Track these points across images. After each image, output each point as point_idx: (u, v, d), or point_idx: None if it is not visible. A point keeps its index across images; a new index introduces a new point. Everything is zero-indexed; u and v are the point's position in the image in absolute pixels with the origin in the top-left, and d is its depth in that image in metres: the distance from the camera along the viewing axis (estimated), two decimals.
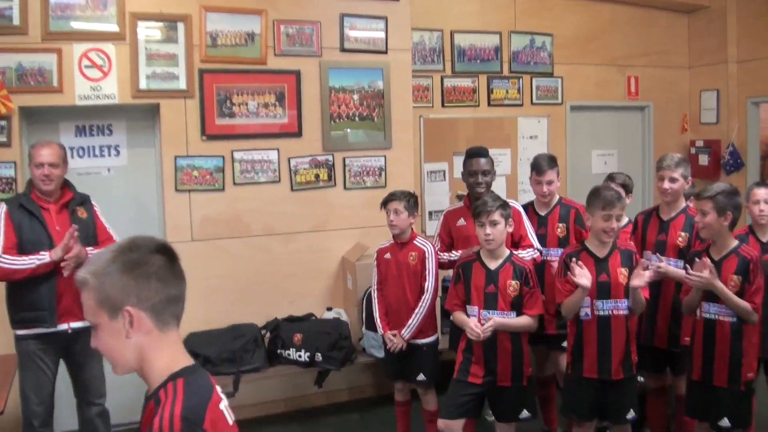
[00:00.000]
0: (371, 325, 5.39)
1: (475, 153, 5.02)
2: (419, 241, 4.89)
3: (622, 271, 4.17)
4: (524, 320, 4.24)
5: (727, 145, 8.15)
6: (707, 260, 4.05)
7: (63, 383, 4.68)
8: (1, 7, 4.99)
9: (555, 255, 4.95)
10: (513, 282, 4.24)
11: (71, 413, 4.82)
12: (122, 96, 5.33)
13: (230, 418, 1.89)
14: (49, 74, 5.12)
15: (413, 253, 4.84)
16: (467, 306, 4.34)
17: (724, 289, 3.99)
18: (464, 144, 6.88)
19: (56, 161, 4.41)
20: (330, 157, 6.00)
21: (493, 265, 4.30)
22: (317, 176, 5.97)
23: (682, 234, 4.65)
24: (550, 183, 5.03)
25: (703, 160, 8.35)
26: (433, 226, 6.05)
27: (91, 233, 4.54)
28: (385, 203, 4.87)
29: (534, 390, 4.59)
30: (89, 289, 1.79)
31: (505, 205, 4.30)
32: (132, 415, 5.23)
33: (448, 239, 5.11)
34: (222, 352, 5.33)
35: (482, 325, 4.18)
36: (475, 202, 4.51)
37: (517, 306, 4.24)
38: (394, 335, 4.83)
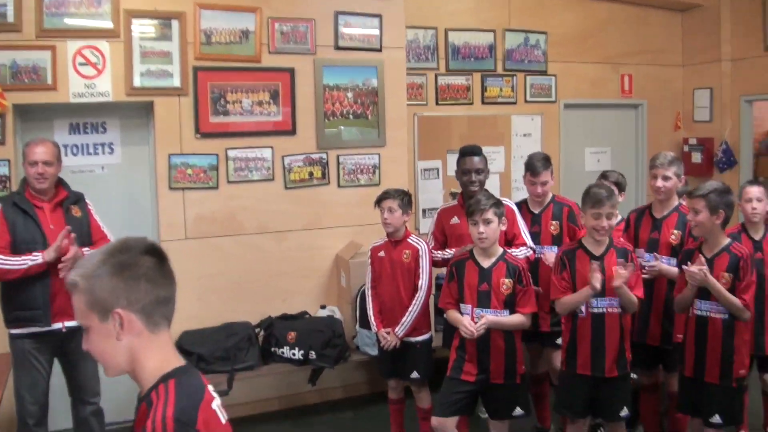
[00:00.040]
0: (365, 323, 5.40)
1: (468, 151, 5.02)
2: (413, 239, 4.90)
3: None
4: (517, 318, 4.25)
5: (720, 143, 8.17)
6: (702, 258, 4.07)
7: (57, 382, 4.68)
8: None
9: (548, 253, 4.98)
10: (506, 280, 4.24)
11: (66, 412, 4.80)
12: (116, 94, 5.32)
13: (223, 417, 1.89)
14: (43, 72, 5.11)
15: (407, 251, 4.85)
16: (461, 304, 4.34)
17: (717, 285, 4.01)
18: (458, 142, 6.88)
19: (50, 159, 4.40)
20: (324, 155, 6.00)
21: (486, 263, 4.31)
22: (311, 174, 5.97)
23: (675, 232, 4.67)
24: (544, 184, 5.04)
25: (696, 158, 8.37)
26: (427, 224, 6.06)
27: (86, 232, 4.53)
28: (379, 201, 4.87)
29: (527, 387, 4.60)
30: (79, 292, 1.79)
31: (498, 203, 4.31)
32: (126, 413, 5.22)
33: (442, 237, 5.12)
34: (216, 351, 5.34)
35: (475, 323, 4.19)
36: (469, 200, 4.52)
37: (511, 304, 4.25)
38: (388, 333, 4.83)
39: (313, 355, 5.49)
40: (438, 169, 7.20)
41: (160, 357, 1.85)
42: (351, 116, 6.08)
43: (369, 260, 5.06)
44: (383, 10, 6.14)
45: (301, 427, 5.70)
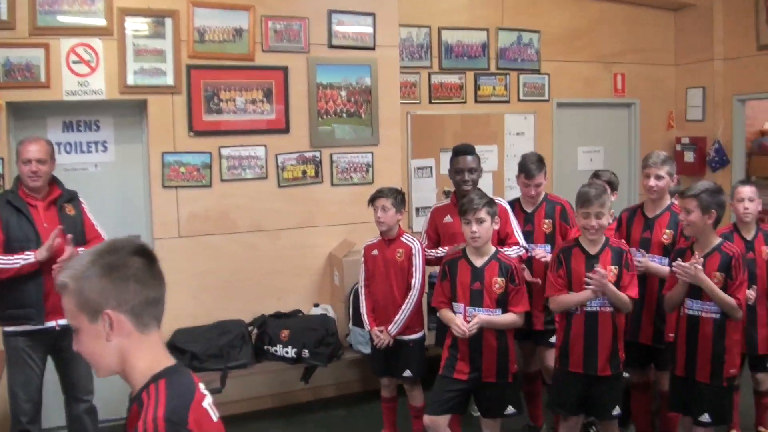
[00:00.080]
0: (358, 321, 5.41)
1: (461, 151, 5.04)
2: (406, 238, 4.91)
3: (612, 269, 4.20)
4: (510, 317, 4.26)
5: (712, 142, 8.19)
6: (697, 255, 4.09)
7: (51, 380, 4.68)
8: None
9: (542, 251, 5.00)
10: (498, 279, 4.26)
11: (59, 410, 4.81)
12: (110, 91, 5.32)
13: (214, 416, 1.89)
14: (36, 69, 5.10)
15: (400, 250, 4.86)
16: (453, 303, 4.36)
17: (710, 283, 4.02)
18: (451, 140, 6.89)
19: (44, 157, 4.40)
20: (317, 154, 6.01)
21: (478, 262, 4.32)
22: (304, 172, 5.97)
23: (667, 231, 4.68)
24: (538, 186, 5.06)
25: (689, 157, 8.39)
26: (420, 223, 6.06)
27: (80, 231, 4.53)
28: (372, 200, 4.89)
29: (519, 386, 4.62)
30: (69, 294, 1.80)
31: (491, 202, 4.32)
32: (120, 411, 5.20)
33: (435, 236, 5.13)
34: (209, 349, 5.34)
35: (468, 322, 4.20)
36: (462, 199, 4.54)
37: (503, 303, 4.26)
38: (381, 331, 4.85)
39: (306, 353, 5.50)
40: (431, 168, 7.21)
41: (150, 357, 1.85)
42: (344, 115, 6.09)
43: (362, 259, 5.07)
44: (377, 8, 6.14)
45: (294, 425, 5.71)
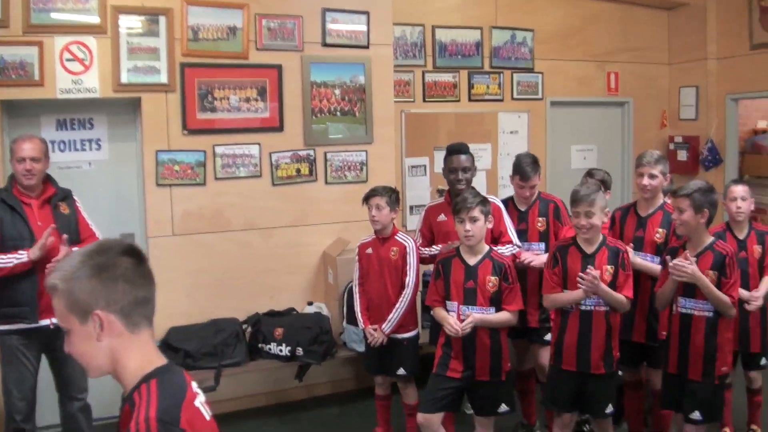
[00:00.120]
0: (352, 320, 5.42)
1: (455, 150, 5.05)
2: (400, 237, 4.92)
3: (608, 269, 4.22)
4: (504, 316, 4.28)
5: (705, 141, 8.22)
6: (688, 254, 4.10)
7: (45, 378, 4.67)
8: None
9: (537, 249, 5.02)
10: (492, 278, 4.27)
11: (53, 408, 4.80)
12: (103, 90, 5.31)
13: (207, 414, 1.90)
14: (30, 67, 5.09)
15: (394, 249, 4.87)
16: (447, 301, 4.36)
17: (706, 282, 4.04)
18: (445, 139, 6.91)
19: (38, 156, 4.40)
20: (311, 152, 6.01)
21: (472, 261, 4.33)
22: (298, 171, 5.98)
23: (660, 230, 4.70)
24: (533, 187, 5.08)
25: (682, 155, 8.41)
26: (414, 221, 6.08)
27: (74, 229, 4.53)
28: (366, 199, 4.90)
29: (513, 384, 4.63)
30: (59, 295, 1.80)
31: (484, 201, 4.33)
32: (114, 409, 5.17)
33: (429, 235, 5.14)
34: (203, 347, 5.34)
35: (462, 321, 4.21)
36: (456, 198, 4.55)
37: (497, 302, 4.27)
38: (375, 329, 4.86)
39: (300, 351, 5.50)
40: (425, 166, 7.22)
41: (141, 357, 1.86)
42: (338, 113, 6.09)
43: (357, 257, 5.08)
44: (370, 6, 6.14)
45: (288, 422, 5.71)
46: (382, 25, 6.21)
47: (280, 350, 5.51)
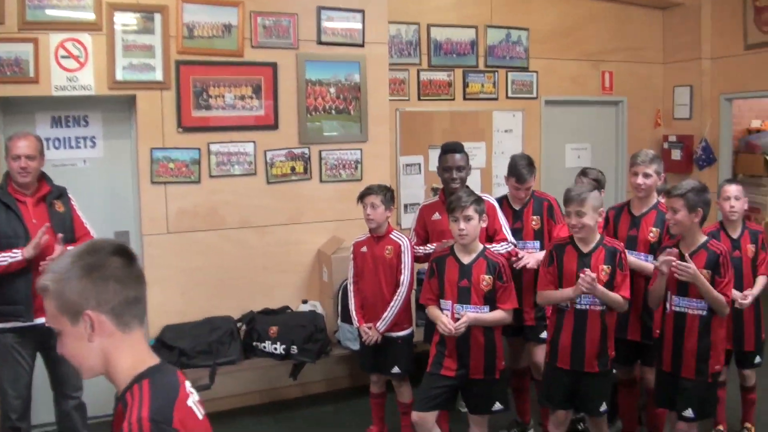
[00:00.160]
0: (347, 318, 5.43)
1: (450, 149, 5.05)
2: (395, 235, 4.93)
3: (604, 268, 4.22)
4: (498, 314, 4.28)
5: (699, 141, 8.25)
6: (675, 251, 4.12)
7: (40, 376, 4.67)
8: None
9: (531, 247, 5.02)
10: (486, 276, 4.27)
11: (48, 406, 4.79)
12: (98, 87, 5.30)
13: (200, 414, 1.90)
14: (25, 64, 5.08)
15: (389, 247, 4.88)
16: (441, 300, 4.37)
17: (705, 282, 4.05)
18: (440, 137, 6.93)
19: (33, 153, 4.39)
20: (306, 150, 6.01)
21: (466, 259, 4.33)
22: (293, 169, 5.97)
23: (653, 229, 4.70)
24: (528, 189, 5.09)
25: (676, 155, 8.44)
26: (409, 219, 6.08)
27: (69, 227, 4.52)
28: (361, 197, 4.90)
29: (507, 383, 4.64)
30: (50, 296, 1.80)
31: (479, 200, 4.33)
32: (108, 408, 5.17)
33: (424, 233, 5.14)
34: (197, 345, 5.34)
35: (456, 319, 4.22)
36: (450, 197, 4.55)
37: (491, 300, 4.28)
38: (370, 328, 4.87)
39: (294, 349, 5.51)
40: (420, 165, 7.23)
41: (133, 357, 1.86)
42: (333, 111, 6.09)
43: (351, 255, 5.08)
44: (366, 5, 6.14)
45: (283, 421, 5.71)
46: (377, 23, 6.21)
47: (275, 348, 5.51)
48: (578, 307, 4.25)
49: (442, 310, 4.34)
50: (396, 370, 4.92)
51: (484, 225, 4.43)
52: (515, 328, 4.86)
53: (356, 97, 6.14)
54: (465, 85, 7.48)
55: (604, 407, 4.32)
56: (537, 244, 5.05)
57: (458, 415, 5.09)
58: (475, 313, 4.23)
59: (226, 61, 5.67)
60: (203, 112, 5.62)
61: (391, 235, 4.91)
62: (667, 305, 4.27)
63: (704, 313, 4.14)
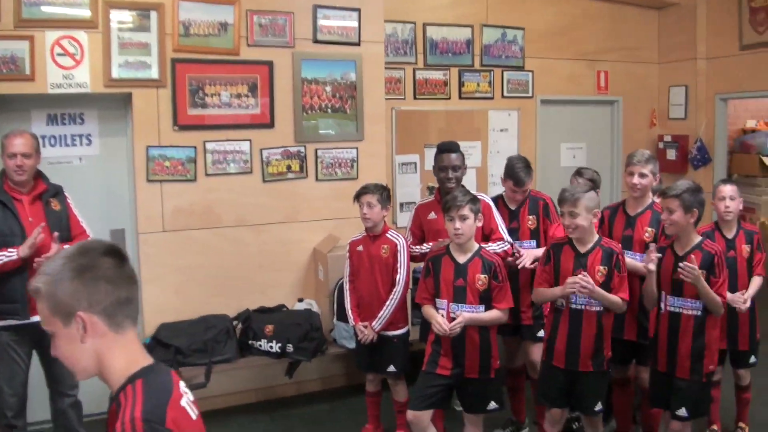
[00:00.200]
0: (342, 316, 5.43)
1: (445, 148, 5.05)
2: (391, 234, 4.93)
3: (600, 269, 4.23)
4: (494, 314, 4.28)
5: (694, 141, 8.27)
6: (654, 245, 4.20)
7: (36, 374, 4.67)
8: None
9: (528, 247, 5.03)
10: (482, 276, 4.27)
11: (44, 404, 4.79)
12: (94, 85, 5.29)
13: (193, 414, 1.90)
14: (21, 62, 5.06)
15: (385, 246, 4.88)
16: (436, 299, 4.37)
17: (704, 283, 4.07)
18: (436, 136, 6.94)
19: (29, 151, 4.39)
20: (302, 149, 6.01)
21: (462, 259, 4.34)
22: (289, 167, 5.97)
23: (649, 229, 4.71)
24: (525, 191, 5.10)
25: (671, 154, 8.46)
26: (404, 218, 6.08)
27: (65, 226, 4.52)
28: (358, 196, 4.90)
29: (502, 382, 4.64)
30: (42, 298, 1.81)
31: (474, 199, 4.34)
32: (104, 406, 5.16)
33: (420, 233, 5.14)
34: (193, 343, 5.33)
35: (451, 319, 4.22)
36: (446, 196, 4.56)
37: (486, 299, 4.28)
38: (365, 327, 4.87)
39: (290, 348, 5.50)
40: (415, 164, 7.24)
41: (126, 357, 1.86)
42: (329, 110, 6.09)
43: (348, 254, 5.09)
44: (362, 3, 6.14)
45: (278, 419, 5.71)
46: (373, 22, 6.21)
47: (271, 347, 5.51)
48: (573, 306, 4.26)
49: (437, 309, 4.34)
50: (392, 368, 4.93)
51: (479, 224, 4.44)
52: (512, 327, 4.88)
53: (352, 96, 6.14)
54: (461, 84, 7.48)
55: (599, 406, 4.33)
56: (533, 243, 5.07)
57: (453, 413, 5.10)
58: (470, 313, 4.24)
59: (221, 60, 5.66)
60: (199, 111, 5.61)
61: (387, 234, 4.92)
62: (662, 305, 4.29)
63: (699, 313, 4.16)
